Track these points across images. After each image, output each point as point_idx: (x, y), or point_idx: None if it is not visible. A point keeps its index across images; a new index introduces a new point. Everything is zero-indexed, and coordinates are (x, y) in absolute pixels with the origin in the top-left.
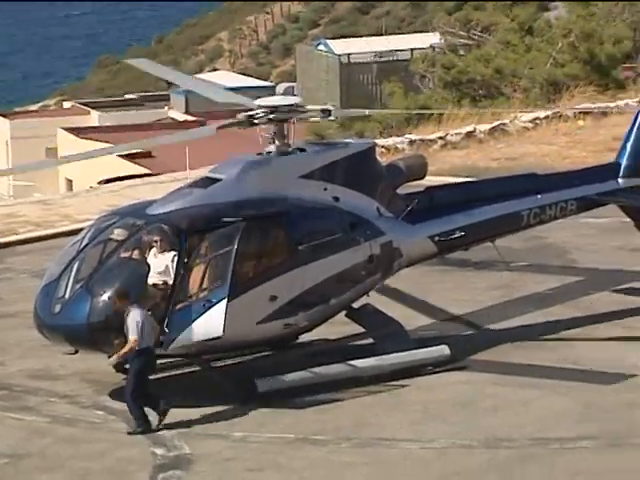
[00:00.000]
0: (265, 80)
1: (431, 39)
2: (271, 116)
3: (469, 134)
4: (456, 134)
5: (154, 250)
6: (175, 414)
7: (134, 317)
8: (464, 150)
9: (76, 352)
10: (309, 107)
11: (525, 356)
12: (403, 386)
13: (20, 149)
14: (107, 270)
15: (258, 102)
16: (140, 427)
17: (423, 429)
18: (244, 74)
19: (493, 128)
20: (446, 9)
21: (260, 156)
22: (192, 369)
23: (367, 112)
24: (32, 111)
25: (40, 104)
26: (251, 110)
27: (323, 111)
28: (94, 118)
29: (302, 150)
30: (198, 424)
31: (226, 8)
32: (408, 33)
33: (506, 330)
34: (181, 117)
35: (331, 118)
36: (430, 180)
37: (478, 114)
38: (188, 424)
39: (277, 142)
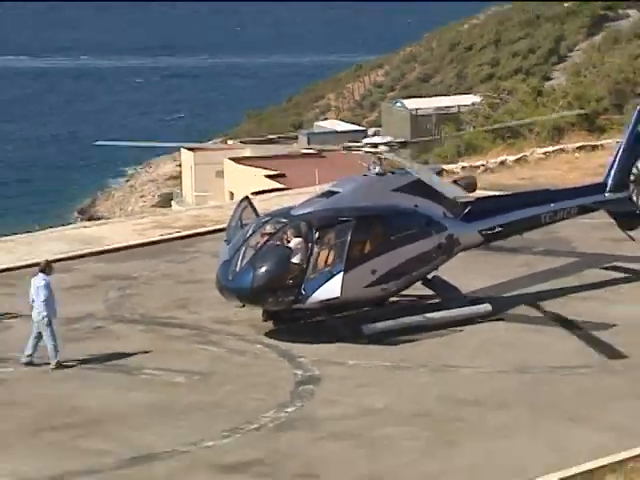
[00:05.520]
0: (359, 125)
1: (472, 99)
2: (371, 149)
3: (502, 162)
4: (493, 162)
5: (295, 239)
6: (309, 348)
7: None
8: (498, 173)
9: (243, 306)
10: (393, 141)
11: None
12: (461, 330)
13: (199, 172)
14: (264, 252)
15: (365, 140)
16: None
17: (477, 360)
18: (345, 121)
19: (518, 159)
20: (480, 79)
21: (364, 176)
22: (321, 318)
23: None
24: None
25: (211, 142)
26: (357, 144)
27: (401, 144)
28: (248, 151)
29: (392, 172)
30: (324, 355)
31: (332, 78)
32: (455, 94)
33: (528, 294)
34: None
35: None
36: (478, 193)
37: (507, 149)
38: (317, 355)
39: (375, 167)
